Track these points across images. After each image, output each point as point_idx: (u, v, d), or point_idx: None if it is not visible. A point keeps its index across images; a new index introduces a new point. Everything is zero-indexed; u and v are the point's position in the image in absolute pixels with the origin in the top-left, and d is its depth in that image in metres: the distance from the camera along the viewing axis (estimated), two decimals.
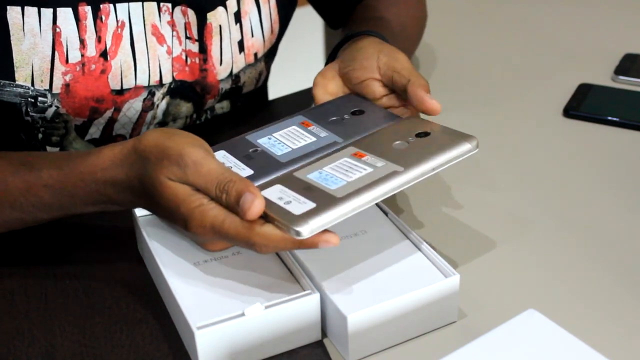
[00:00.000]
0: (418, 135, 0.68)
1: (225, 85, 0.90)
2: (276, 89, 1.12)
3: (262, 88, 1.02)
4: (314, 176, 0.64)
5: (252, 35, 0.90)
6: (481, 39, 1.20)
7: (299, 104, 1.05)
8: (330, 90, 0.79)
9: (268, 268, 0.66)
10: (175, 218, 0.62)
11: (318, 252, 0.67)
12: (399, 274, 0.65)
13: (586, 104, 0.97)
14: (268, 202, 0.60)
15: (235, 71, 0.90)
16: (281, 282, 0.64)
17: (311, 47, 2.76)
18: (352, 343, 0.60)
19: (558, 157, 0.89)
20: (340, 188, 0.61)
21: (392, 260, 0.66)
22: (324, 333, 0.64)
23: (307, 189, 0.61)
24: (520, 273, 0.70)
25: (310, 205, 0.59)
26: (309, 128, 0.73)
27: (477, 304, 0.66)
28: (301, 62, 2.51)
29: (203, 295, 0.63)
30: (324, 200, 0.60)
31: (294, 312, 0.61)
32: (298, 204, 0.59)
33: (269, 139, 0.72)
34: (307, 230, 0.57)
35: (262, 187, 0.63)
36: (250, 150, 0.70)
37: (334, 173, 0.64)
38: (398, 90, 0.75)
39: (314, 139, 0.71)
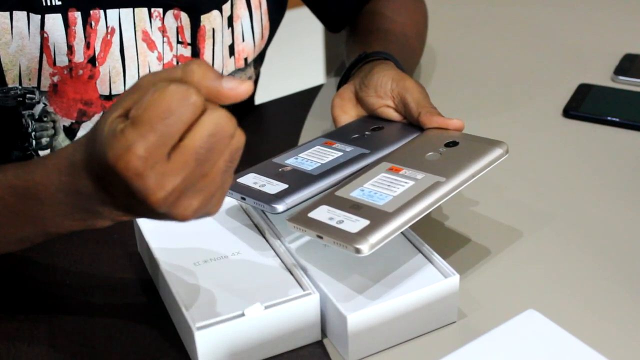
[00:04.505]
0: (447, 145, 0.70)
1: None
2: (262, 94, 1.12)
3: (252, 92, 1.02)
4: (357, 194, 0.64)
5: (243, 40, 0.90)
6: (481, 39, 1.20)
7: (287, 108, 1.06)
8: (348, 111, 0.82)
9: (268, 268, 0.66)
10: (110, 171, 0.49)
11: (318, 252, 0.67)
12: (398, 274, 0.65)
13: (586, 104, 0.97)
14: (320, 223, 0.61)
15: (224, 74, 0.90)
16: (281, 282, 0.64)
17: (296, 52, 2.76)
18: (352, 343, 0.60)
19: (558, 157, 0.89)
20: (389, 203, 0.62)
21: (391, 260, 0.66)
22: (324, 333, 0.64)
23: (355, 207, 0.62)
24: (520, 273, 0.70)
25: (364, 222, 0.60)
26: (333, 146, 0.75)
27: (476, 304, 0.66)
28: (287, 67, 2.51)
29: (203, 295, 0.63)
30: (376, 216, 0.60)
31: (294, 312, 0.61)
32: (351, 223, 0.60)
33: (296, 158, 0.73)
34: (367, 247, 0.57)
35: (308, 209, 0.63)
36: (279, 169, 0.71)
37: (377, 189, 0.64)
38: (411, 121, 0.78)
39: (340, 153, 0.73)
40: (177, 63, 0.85)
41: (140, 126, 0.47)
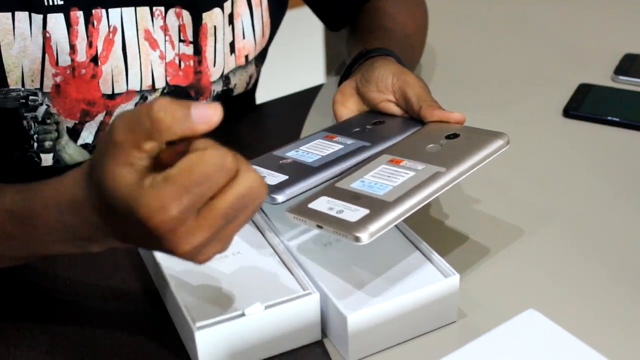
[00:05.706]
0: (448, 137, 0.70)
1: (217, 87, 0.90)
2: (262, 93, 1.12)
3: (252, 91, 1.02)
4: (357, 185, 0.64)
5: (244, 37, 0.90)
6: (481, 39, 1.20)
7: (287, 108, 1.06)
8: (350, 107, 0.82)
9: (268, 267, 0.66)
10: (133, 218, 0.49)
11: (318, 251, 0.67)
12: (398, 274, 0.65)
13: (586, 104, 0.97)
14: (320, 213, 0.61)
15: (225, 72, 0.90)
16: (281, 282, 0.64)
17: (296, 52, 2.76)
18: (352, 343, 0.60)
19: (558, 157, 0.89)
20: (388, 193, 0.62)
21: (391, 260, 0.66)
22: (324, 333, 0.64)
23: (355, 198, 0.62)
24: (520, 273, 0.70)
25: (364, 211, 0.60)
26: (334, 139, 0.75)
27: (476, 304, 0.66)
28: (288, 66, 2.51)
29: (203, 295, 0.63)
30: (376, 205, 0.60)
31: (294, 312, 0.61)
32: (351, 212, 0.60)
33: (297, 151, 0.73)
34: (366, 235, 0.57)
35: (308, 200, 0.63)
36: (280, 161, 0.71)
37: (377, 180, 0.64)
38: (412, 115, 0.77)
39: (341, 146, 0.74)
40: (179, 61, 0.85)
41: (175, 187, 0.48)
